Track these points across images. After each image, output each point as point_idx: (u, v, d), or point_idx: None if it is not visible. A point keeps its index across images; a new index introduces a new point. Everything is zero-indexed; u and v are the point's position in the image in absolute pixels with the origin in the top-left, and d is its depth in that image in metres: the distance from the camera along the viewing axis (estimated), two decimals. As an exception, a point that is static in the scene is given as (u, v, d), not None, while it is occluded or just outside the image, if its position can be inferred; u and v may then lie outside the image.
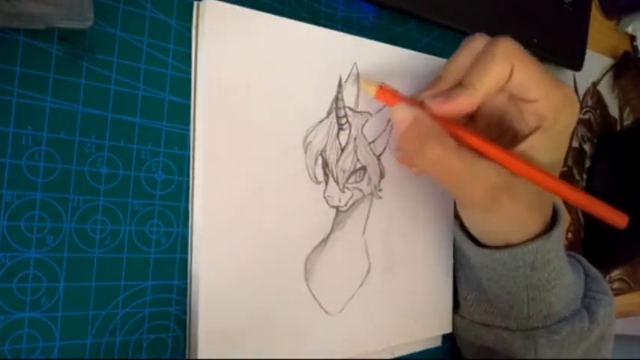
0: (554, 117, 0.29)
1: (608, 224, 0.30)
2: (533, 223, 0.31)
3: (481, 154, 0.29)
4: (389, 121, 0.34)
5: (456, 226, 0.36)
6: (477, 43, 0.30)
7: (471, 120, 0.33)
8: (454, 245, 0.38)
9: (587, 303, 0.36)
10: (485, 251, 0.33)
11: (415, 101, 0.30)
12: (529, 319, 0.34)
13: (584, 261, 0.40)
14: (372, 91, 0.30)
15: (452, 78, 0.30)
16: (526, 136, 0.30)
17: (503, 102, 0.32)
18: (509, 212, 0.30)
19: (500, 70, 0.28)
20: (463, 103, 0.28)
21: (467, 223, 0.34)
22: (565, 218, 0.33)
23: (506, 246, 0.32)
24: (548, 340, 0.34)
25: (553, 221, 0.33)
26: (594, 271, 0.39)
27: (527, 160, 0.29)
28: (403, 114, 0.29)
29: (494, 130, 0.33)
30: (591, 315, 0.35)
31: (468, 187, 0.29)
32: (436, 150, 0.27)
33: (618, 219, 0.29)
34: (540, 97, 0.29)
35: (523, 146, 0.30)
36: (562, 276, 0.33)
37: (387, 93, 0.30)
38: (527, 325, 0.34)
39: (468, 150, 0.29)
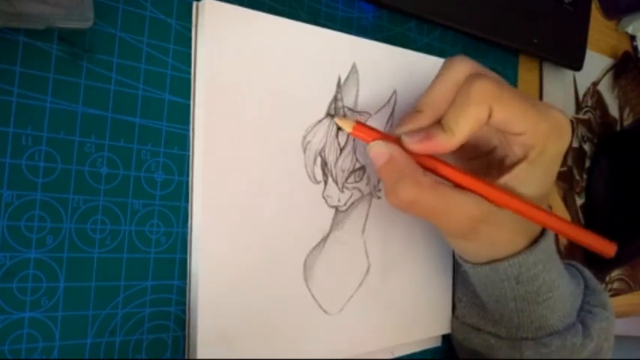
0: (542, 147, 0.28)
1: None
2: (517, 243, 0.31)
3: (460, 187, 0.28)
4: (388, 120, 0.34)
5: None
6: (454, 71, 0.29)
7: None
8: None
9: (583, 317, 0.35)
10: (469, 264, 0.33)
11: (391, 137, 0.29)
12: (519, 329, 0.34)
13: (586, 272, 0.39)
14: (348, 127, 0.30)
15: (431, 112, 0.29)
16: (511, 166, 0.29)
17: (489, 131, 0.31)
18: (490, 239, 0.30)
19: (478, 114, 0.27)
20: (441, 145, 0.28)
21: (451, 246, 0.34)
22: (550, 235, 0.33)
23: (489, 261, 0.32)
24: (536, 352, 0.34)
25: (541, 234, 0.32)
26: (594, 282, 0.38)
27: (512, 190, 0.29)
28: (379, 150, 0.28)
29: (480, 149, 0.32)
30: (585, 330, 0.35)
31: (446, 220, 0.29)
32: (408, 190, 0.27)
33: (606, 248, 0.29)
34: (526, 130, 0.28)
35: (508, 177, 0.29)
36: (555, 289, 0.33)
37: (363, 129, 0.30)
38: (517, 335, 0.34)
39: (445, 184, 0.28)
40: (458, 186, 0.28)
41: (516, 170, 0.29)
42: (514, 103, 0.28)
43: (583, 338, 0.34)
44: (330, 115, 0.31)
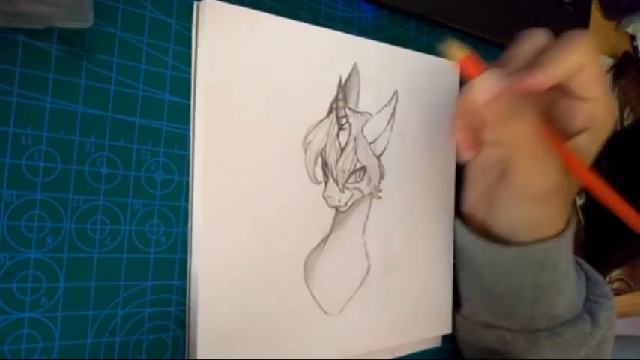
0: (603, 120, 0.30)
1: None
2: (560, 222, 0.32)
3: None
4: (389, 121, 0.34)
5: (460, 225, 0.36)
6: (539, 38, 0.30)
7: None
8: (455, 246, 0.38)
9: (590, 306, 0.36)
10: (497, 247, 0.33)
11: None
12: (533, 320, 0.34)
13: (586, 265, 0.40)
14: (458, 56, 0.29)
15: (518, 63, 0.30)
16: (573, 135, 0.30)
17: (556, 95, 0.31)
18: (553, 206, 0.31)
19: (578, 60, 0.28)
20: (537, 82, 0.27)
21: (500, 213, 0.33)
22: (575, 221, 0.34)
23: (518, 243, 0.32)
24: (551, 342, 0.34)
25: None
26: (595, 274, 0.39)
27: None
28: (490, 82, 0.28)
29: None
30: (593, 318, 0.35)
31: (539, 172, 0.29)
32: (527, 125, 0.27)
33: (636, 220, 0.30)
34: (596, 98, 0.29)
35: (570, 145, 0.30)
36: (568, 279, 0.34)
37: (472, 63, 0.29)
38: (531, 327, 0.34)
39: None
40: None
41: (579, 138, 0.30)
42: (600, 68, 0.29)
43: (592, 327, 0.35)
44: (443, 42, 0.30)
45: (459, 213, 0.37)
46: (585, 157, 0.30)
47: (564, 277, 0.33)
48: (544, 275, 0.32)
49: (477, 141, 0.31)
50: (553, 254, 0.32)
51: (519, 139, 0.28)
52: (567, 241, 0.32)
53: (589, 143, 0.30)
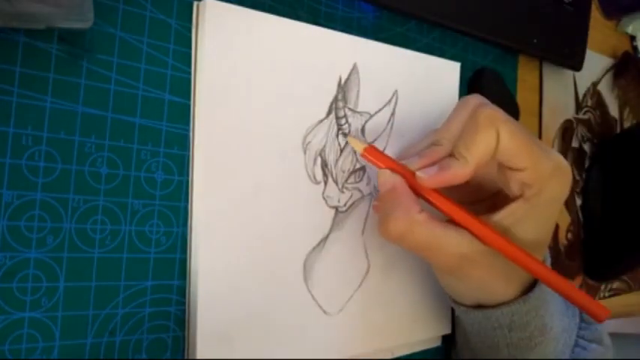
0: (539, 187, 0.28)
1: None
2: (505, 290, 0.31)
3: (455, 222, 0.28)
4: (389, 121, 0.34)
5: None
6: (468, 105, 0.29)
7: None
8: None
9: (578, 354, 0.35)
10: (462, 308, 0.33)
11: (399, 166, 0.29)
12: None
13: None
14: (359, 149, 0.30)
15: (449, 145, 0.29)
16: (506, 204, 0.29)
17: (492, 172, 0.31)
18: (477, 280, 0.30)
19: (487, 139, 0.27)
20: (456, 174, 0.28)
21: (440, 283, 0.33)
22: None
23: (480, 306, 0.32)
24: None
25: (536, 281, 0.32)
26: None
27: (506, 229, 0.28)
28: (383, 179, 0.29)
29: (485, 191, 0.32)
30: None
31: (435, 256, 0.29)
32: (399, 224, 0.27)
33: (599, 311, 0.28)
34: (527, 166, 0.27)
35: (501, 214, 0.29)
36: (547, 332, 0.32)
37: (374, 153, 0.30)
38: None
39: (439, 220, 0.28)
40: (453, 221, 0.28)
41: (511, 207, 0.28)
42: (520, 134, 0.27)
43: None
44: (343, 134, 0.32)
45: None
46: (528, 227, 0.29)
47: (541, 332, 0.32)
48: (516, 335, 0.31)
49: None
50: (520, 316, 0.31)
51: (394, 238, 0.28)
52: (536, 301, 0.31)
53: (526, 211, 0.28)
